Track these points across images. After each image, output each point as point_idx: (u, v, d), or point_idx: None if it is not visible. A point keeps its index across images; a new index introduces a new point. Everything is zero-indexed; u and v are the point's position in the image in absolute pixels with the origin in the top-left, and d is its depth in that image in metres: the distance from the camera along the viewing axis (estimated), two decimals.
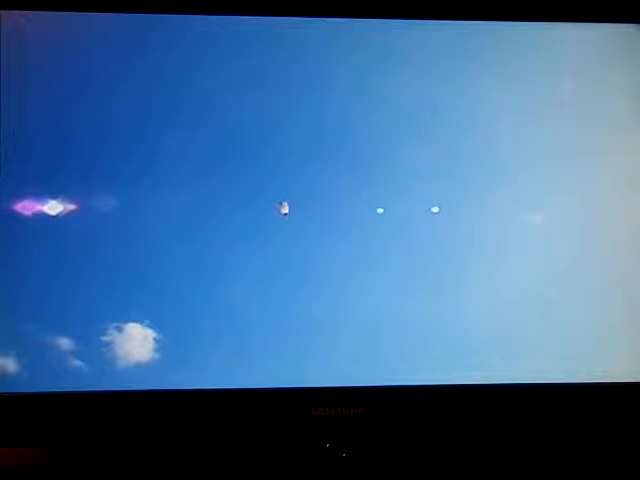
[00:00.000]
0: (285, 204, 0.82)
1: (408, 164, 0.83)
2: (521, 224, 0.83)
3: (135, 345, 0.79)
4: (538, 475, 0.80)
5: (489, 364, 0.81)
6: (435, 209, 0.83)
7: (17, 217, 0.79)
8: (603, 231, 0.84)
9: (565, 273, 0.83)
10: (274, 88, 0.83)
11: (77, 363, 0.78)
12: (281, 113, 0.83)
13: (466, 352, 0.81)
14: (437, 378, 0.80)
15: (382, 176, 0.83)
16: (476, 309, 0.82)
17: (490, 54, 0.85)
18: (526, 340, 0.82)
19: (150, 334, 0.79)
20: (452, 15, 0.85)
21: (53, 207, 0.79)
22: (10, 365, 0.77)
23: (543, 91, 0.85)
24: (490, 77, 0.85)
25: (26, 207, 0.79)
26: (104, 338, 0.78)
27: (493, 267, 0.83)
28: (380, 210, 0.82)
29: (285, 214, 0.81)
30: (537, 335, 0.82)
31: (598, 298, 0.83)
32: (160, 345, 0.79)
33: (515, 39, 0.85)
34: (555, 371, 0.81)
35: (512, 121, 0.84)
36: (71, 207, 0.80)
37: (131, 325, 0.79)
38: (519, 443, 0.80)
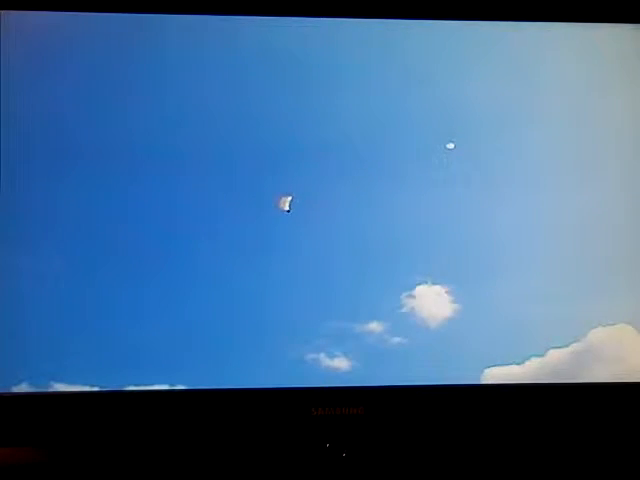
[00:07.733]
0: (285, 199, 0.80)
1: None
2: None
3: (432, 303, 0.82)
4: (538, 475, 0.80)
5: None
6: None
7: None
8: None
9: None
10: (278, 86, 0.83)
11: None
12: (280, 113, 0.83)
13: None
14: None
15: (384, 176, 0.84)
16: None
17: (491, 53, 0.85)
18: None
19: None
20: (452, 15, 0.85)
21: None
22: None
23: (543, 91, 0.85)
24: (491, 75, 0.85)
25: None
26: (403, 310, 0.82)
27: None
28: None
29: (288, 211, 0.80)
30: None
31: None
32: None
33: (516, 39, 0.85)
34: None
35: (513, 120, 0.85)
36: None
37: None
38: (519, 443, 0.80)
